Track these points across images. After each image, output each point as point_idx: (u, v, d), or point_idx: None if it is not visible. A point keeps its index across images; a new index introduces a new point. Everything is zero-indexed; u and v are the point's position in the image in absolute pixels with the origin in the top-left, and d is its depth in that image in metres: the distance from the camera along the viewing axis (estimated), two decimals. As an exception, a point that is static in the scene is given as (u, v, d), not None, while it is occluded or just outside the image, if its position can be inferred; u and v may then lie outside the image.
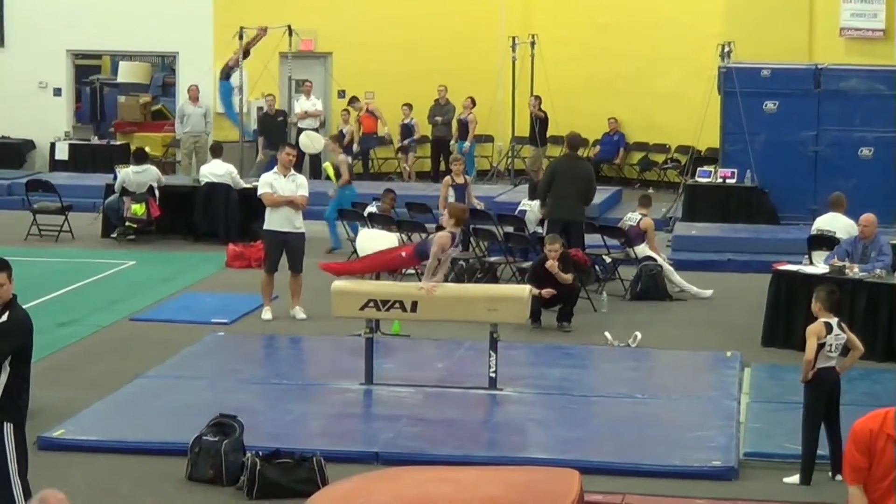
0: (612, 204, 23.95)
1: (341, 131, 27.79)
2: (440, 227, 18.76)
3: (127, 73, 31.74)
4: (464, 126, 27.69)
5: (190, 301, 17.06)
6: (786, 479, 10.72)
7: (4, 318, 8.37)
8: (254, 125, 27.32)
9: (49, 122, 27.97)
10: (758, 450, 11.29)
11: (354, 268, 14.71)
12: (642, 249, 18.06)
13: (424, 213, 19.82)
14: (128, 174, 21.22)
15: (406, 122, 28.04)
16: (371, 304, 12.92)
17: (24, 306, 8.63)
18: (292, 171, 16.16)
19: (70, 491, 10.12)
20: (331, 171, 22.40)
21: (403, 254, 14.10)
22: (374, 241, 17.97)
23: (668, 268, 18.00)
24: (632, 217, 18.42)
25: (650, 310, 17.01)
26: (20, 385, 8.45)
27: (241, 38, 25.55)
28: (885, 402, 8.47)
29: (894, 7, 25.22)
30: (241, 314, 16.26)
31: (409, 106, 27.90)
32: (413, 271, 18.50)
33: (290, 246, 15.93)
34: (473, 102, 27.54)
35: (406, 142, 28.07)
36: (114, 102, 30.58)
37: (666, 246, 19.90)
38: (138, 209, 21.07)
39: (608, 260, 18.36)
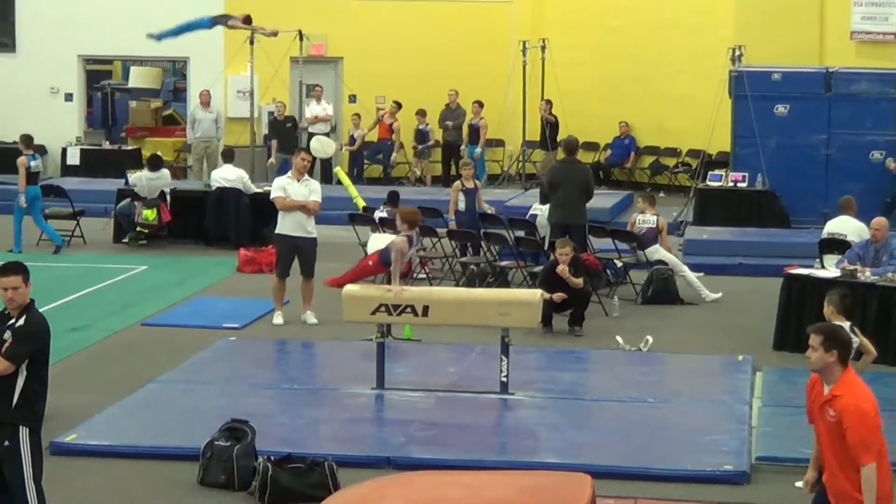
0: (622, 208, 23.90)
1: (352, 136, 27.85)
2: (451, 232, 18.86)
3: (138, 78, 31.87)
4: (475, 131, 27.70)
5: (201, 306, 17.09)
6: (798, 484, 10.65)
7: (22, 321, 8.39)
8: (265, 130, 27.39)
9: (60, 128, 28.04)
10: (770, 454, 11.28)
11: (348, 277, 14.65)
12: (653, 252, 18.05)
13: (435, 217, 19.81)
14: (140, 178, 21.27)
15: (420, 127, 28.05)
16: (382, 308, 12.92)
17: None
18: (306, 176, 16.17)
19: (82, 496, 10.20)
20: (342, 176, 22.43)
21: (371, 262, 14.17)
22: (383, 245, 17.93)
23: (680, 265, 18.00)
24: (646, 219, 18.30)
25: (661, 314, 17.00)
26: (37, 388, 8.45)
27: (251, 42, 25.57)
28: (897, 405, 8.44)
29: (905, 10, 25.25)
30: (253, 319, 16.28)
31: (423, 113, 27.89)
32: (424, 275, 18.54)
33: (301, 251, 15.94)
34: (481, 105, 27.57)
35: (420, 146, 28.08)
36: (125, 107, 30.69)
37: (677, 250, 19.87)
38: (150, 214, 21.12)
39: (619, 264, 18.35)
